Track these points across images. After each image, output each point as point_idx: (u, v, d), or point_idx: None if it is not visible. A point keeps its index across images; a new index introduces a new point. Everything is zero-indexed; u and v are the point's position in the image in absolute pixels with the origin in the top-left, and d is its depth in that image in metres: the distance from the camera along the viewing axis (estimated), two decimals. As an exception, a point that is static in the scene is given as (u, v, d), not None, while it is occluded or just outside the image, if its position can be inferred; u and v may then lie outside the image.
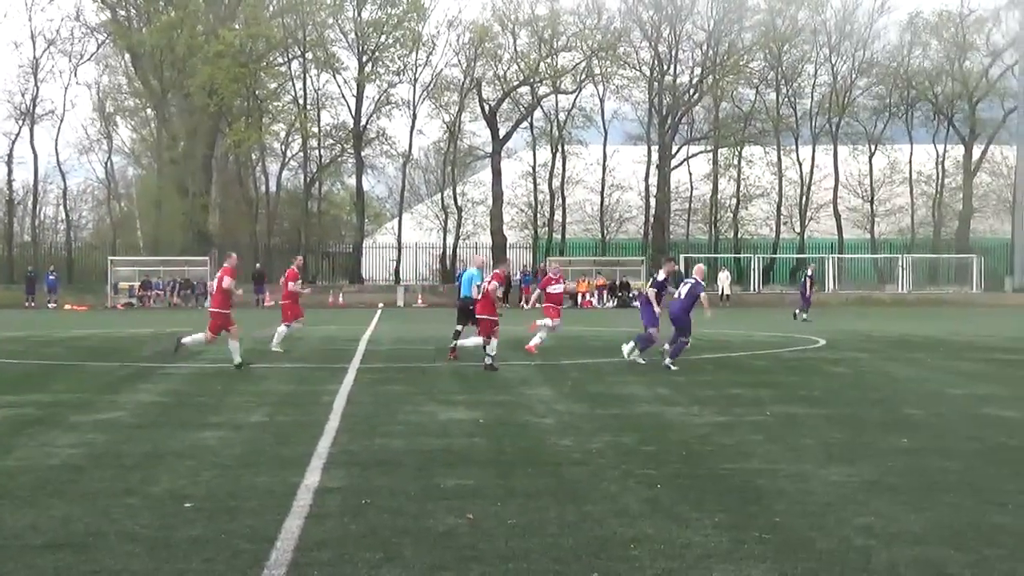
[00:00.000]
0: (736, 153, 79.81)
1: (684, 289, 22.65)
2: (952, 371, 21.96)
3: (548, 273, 28.31)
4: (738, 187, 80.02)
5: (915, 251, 77.53)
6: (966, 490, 10.06)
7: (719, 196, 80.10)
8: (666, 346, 22.56)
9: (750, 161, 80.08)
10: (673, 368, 21.64)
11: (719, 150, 79.36)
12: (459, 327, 25.12)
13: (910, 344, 29.77)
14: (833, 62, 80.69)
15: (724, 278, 67.97)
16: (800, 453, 12.03)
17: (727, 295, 66.00)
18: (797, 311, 44.08)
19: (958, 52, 80.00)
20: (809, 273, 47.57)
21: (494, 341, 22.34)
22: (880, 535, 8.33)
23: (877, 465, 11.25)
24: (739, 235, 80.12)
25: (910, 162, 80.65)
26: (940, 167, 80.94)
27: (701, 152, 79.94)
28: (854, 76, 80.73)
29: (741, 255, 77.03)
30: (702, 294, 22.47)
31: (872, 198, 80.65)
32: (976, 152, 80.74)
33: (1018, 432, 13.67)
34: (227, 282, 22.66)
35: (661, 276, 23.36)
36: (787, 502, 9.52)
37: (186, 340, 23.48)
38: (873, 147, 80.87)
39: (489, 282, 23.25)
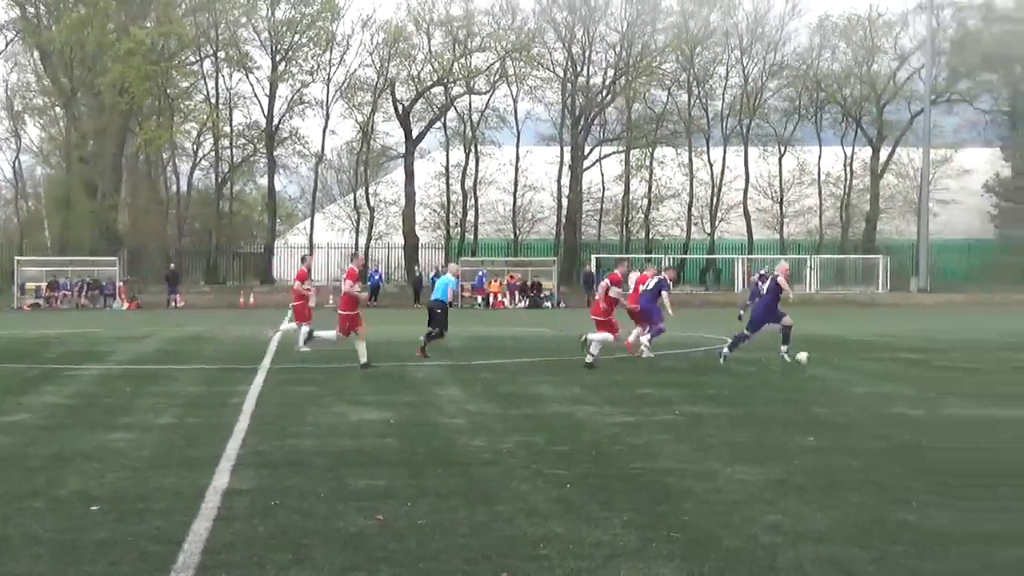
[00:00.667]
0: (648, 154, 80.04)
1: (766, 287, 23.84)
2: (858, 370, 22.22)
3: (644, 272, 28.51)
4: (650, 188, 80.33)
5: (823, 252, 78.31)
6: (871, 488, 10.21)
7: (631, 197, 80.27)
8: (725, 350, 23.46)
9: (662, 162, 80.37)
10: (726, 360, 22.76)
11: (631, 151, 79.54)
12: (430, 329, 25.54)
13: (817, 344, 30.02)
14: (744, 64, 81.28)
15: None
16: (708, 452, 12.14)
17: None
18: (743, 311, 43.92)
19: (866, 55, 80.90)
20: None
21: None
22: (787, 533, 8.43)
23: (784, 464, 11.38)
24: (650, 235, 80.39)
25: (819, 164, 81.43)
26: (848, 169, 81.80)
27: (613, 153, 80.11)
28: (765, 78, 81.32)
29: (652, 255, 77.19)
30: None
31: (781, 199, 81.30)
32: (883, 154, 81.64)
33: (922, 430, 13.87)
34: (347, 285, 23.06)
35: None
36: (695, 501, 9.61)
37: (319, 333, 24.26)
38: (783, 149, 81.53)
39: (608, 287, 23.86)
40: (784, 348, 23.87)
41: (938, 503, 9.54)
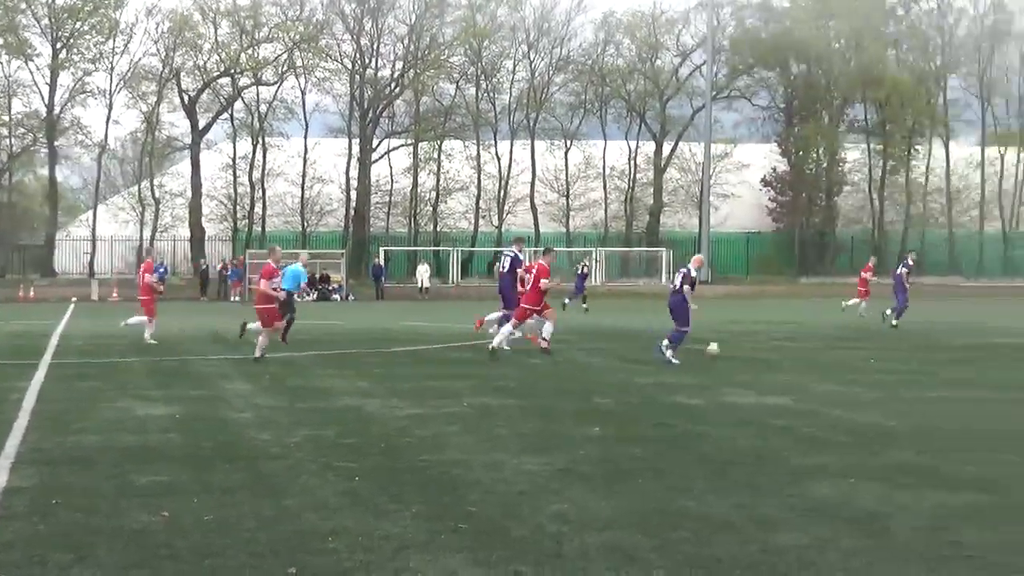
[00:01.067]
0: (436, 147, 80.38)
1: (677, 279, 23.05)
2: (641, 361, 22.59)
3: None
4: (438, 181, 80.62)
5: (608, 244, 79.60)
6: (654, 476, 10.43)
7: (419, 189, 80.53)
8: (664, 343, 22.51)
9: (450, 155, 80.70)
10: (675, 361, 21.74)
11: (419, 144, 79.76)
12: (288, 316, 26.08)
13: (604, 335, 30.52)
14: (531, 59, 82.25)
15: (423, 271, 68.51)
16: (495, 443, 12.26)
17: (426, 288, 66.59)
18: (568, 300, 44.48)
19: (650, 51, 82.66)
20: (586, 263, 48.89)
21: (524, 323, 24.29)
22: (572, 521, 8.56)
23: (569, 453, 11.55)
24: (438, 228, 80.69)
25: (604, 157, 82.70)
26: (632, 163, 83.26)
27: (402, 146, 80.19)
28: (551, 73, 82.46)
29: (440, 248, 77.68)
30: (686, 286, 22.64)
31: (568, 192, 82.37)
32: (666, 149, 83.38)
33: (701, 419, 14.23)
34: (263, 284, 22.90)
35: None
36: (482, 492, 9.70)
37: (252, 325, 24.32)
38: (569, 142, 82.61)
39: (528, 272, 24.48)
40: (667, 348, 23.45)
41: (717, 490, 9.80)
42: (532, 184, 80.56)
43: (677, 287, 22.78)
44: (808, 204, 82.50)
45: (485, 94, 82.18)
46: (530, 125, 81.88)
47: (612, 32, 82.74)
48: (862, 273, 40.10)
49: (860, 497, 9.57)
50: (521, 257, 26.65)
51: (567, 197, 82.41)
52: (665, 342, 22.18)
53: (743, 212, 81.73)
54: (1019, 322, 37.50)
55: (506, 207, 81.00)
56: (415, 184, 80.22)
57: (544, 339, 23.96)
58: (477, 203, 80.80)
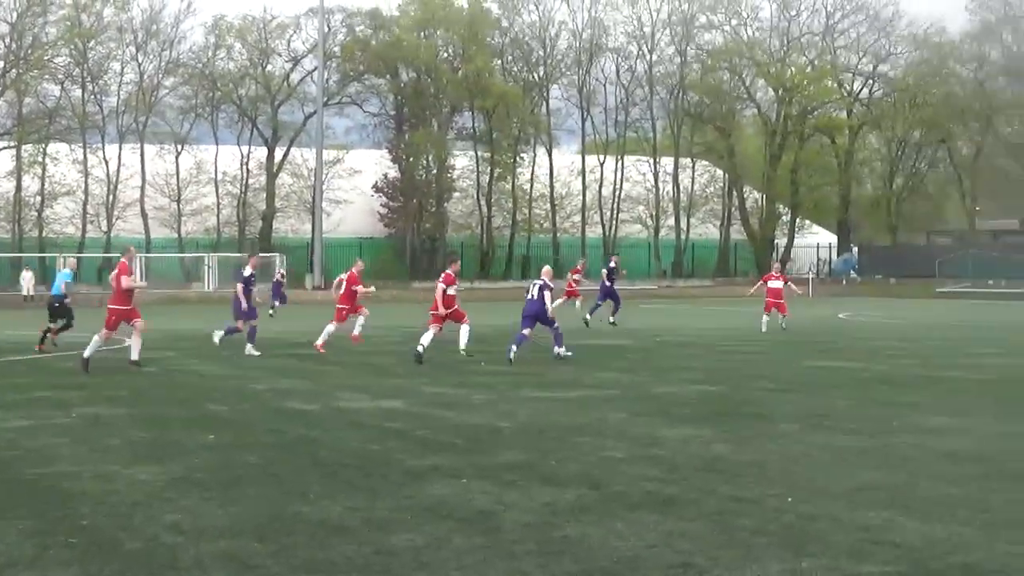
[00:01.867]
0: (41, 150, 77.69)
1: (535, 290, 24.78)
2: (257, 366, 22.62)
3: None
4: (43, 185, 77.85)
5: (221, 250, 78.67)
6: (269, 482, 10.51)
7: (23, 194, 77.56)
8: (513, 346, 23.78)
9: (55, 159, 78.10)
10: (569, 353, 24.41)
11: (23, 146, 76.90)
12: (51, 324, 26.82)
13: (200, 345, 30.06)
14: (140, 61, 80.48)
15: (28, 278, 66.06)
16: (106, 454, 12.07)
17: (31, 295, 64.29)
18: (271, 309, 44.83)
19: (261, 56, 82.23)
20: (283, 271, 48.53)
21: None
22: (187, 531, 8.54)
23: (183, 462, 11.49)
24: (44, 234, 77.94)
25: (216, 163, 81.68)
26: (244, 168, 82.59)
27: (4, 148, 77.09)
28: (161, 76, 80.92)
29: (46, 254, 75.05)
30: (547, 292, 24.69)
31: (179, 197, 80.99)
32: (278, 154, 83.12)
33: (315, 424, 14.40)
34: (125, 281, 21.91)
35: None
36: (93, 504, 9.54)
37: (87, 353, 21.73)
38: (180, 147, 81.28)
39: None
40: (557, 349, 24.64)
41: (332, 493, 9.95)
42: (142, 189, 78.75)
43: (536, 296, 24.73)
44: (419, 210, 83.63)
45: (92, 96, 79.87)
46: (139, 129, 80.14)
47: (223, 36, 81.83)
48: (570, 275, 42.62)
49: (473, 496, 9.89)
50: (248, 274, 26.84)
51: (179, 202, 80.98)
52: (558, 349, 24.57)
53: (356, 218, 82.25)
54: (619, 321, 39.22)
55: (115, 212, 78.93)
56: (19, 188, 77.19)
57: (414, 339, 24.75)
58: (84, 208, 78.43)
